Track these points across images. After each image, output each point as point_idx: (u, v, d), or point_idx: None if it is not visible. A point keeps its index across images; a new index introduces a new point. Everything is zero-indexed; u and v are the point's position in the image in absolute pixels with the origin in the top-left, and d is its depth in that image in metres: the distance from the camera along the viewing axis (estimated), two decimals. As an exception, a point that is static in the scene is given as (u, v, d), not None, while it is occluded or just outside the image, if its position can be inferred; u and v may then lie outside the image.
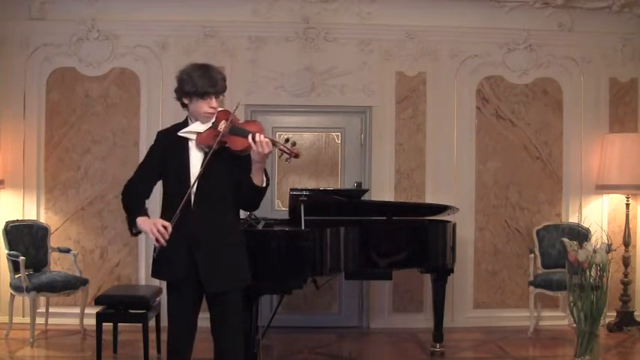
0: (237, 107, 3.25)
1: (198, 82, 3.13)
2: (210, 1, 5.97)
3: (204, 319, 3.25)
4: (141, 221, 3.12)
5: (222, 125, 3.13)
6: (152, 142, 3.35)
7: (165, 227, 3.01)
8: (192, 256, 3.13)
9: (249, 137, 3.04)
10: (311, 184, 6.03)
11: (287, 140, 3.10)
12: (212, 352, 3.26)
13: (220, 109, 3.23)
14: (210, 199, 3.15)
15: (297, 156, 3.10)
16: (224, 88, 3.22)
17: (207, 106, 3.17)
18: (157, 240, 3.02)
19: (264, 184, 3.16)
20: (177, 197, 3.10)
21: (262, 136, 3.02)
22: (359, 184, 5.76)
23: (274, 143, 3.07)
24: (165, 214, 3.15)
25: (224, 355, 3.22)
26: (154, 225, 3.03)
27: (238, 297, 3.24)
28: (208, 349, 3.18)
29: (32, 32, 5.95)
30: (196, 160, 3.16)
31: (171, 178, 3.21)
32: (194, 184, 3.10)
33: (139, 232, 3.19)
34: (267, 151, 3.03)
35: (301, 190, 4.69)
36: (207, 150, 3.13)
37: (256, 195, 3.18)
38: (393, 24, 6.07)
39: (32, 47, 5.96)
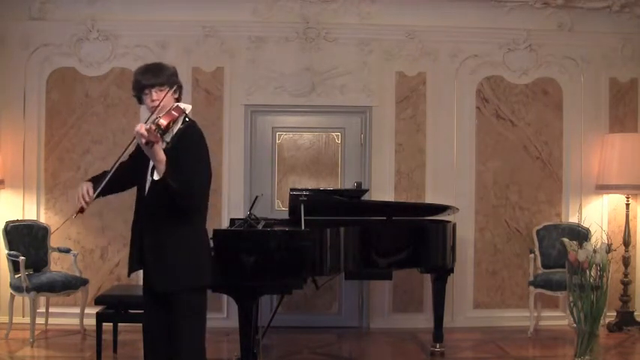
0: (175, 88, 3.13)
1: (135, 79, 3.11)
2: (210, 1, 5.97)
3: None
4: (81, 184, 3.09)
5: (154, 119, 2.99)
6: None
7: (88, 191, 3.00)
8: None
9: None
10: (311, 184, 6.03)
11: (156, 124, 2.90)
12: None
13: (177, 104, 3.09)
14: (158, 200, 3.01)
15: (147, 142, 2.82)
16: (163, 81, 3.06)
17: (149, 100, 3.08)
18: (79, 200, 3.00)
19: (167, 180, 2.89)
20: (137, 196, 3.17)
21: (139, 125, 2.85)
22: (359, 184, 5.74)
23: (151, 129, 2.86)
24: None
25: None
26: (81, 187, 3.04)
27: (190, 301, 3.09)
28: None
29: (32, 32, 5.95)
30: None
31: (137, 176, 3.18)
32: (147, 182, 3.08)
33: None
34: (140, 139, 2.82)
35: (301, 190, 4.70)
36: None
37: (163, 190, 2.94)
38: (393, 24, 6.07)
39: (32, 47, 5.96)
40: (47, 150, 5.98)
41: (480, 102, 6.19)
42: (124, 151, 3.10)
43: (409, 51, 6.12)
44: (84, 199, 2.99)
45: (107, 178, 3.04)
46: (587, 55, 6.23)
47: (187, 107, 3.14)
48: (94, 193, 3.02)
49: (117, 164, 3.08)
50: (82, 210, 2.99)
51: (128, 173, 3.21)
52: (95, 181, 3.12)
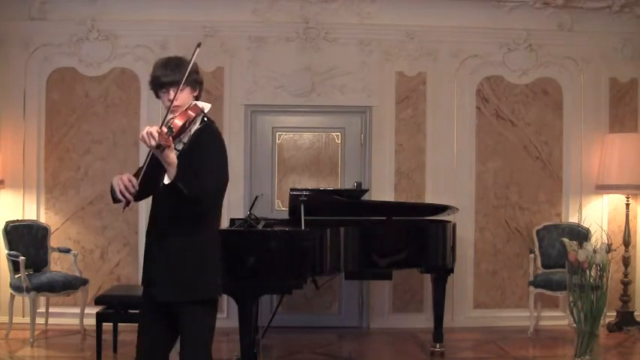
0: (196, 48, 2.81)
1: (154, 74, 2.93)
2: (210, 1, 5.97)
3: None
4: (114, 177, 2.80)
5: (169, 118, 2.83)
6: None
7: (130, 181, 2.70)
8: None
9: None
10: (311, 184, 6.03)
11: (168, 126, 2.74)
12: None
13: (195, 103, 2.96)
14: (166, 205, 2.85)
15: (158, 146, 2.64)
16: (182, 79, 2.82)
17: (166, 99, 2.89)
18: (122, 194, 2.70)
19: (177, 183, 2.69)
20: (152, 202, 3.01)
21: (148, 128, 2.64)
22: (359, 184, 5.75)
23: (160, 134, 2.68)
24: None
25: None
26: (120, 178, 2.73)
27: (195, 313, 2.84)
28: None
29: (32, 32, 5.95)
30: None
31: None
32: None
33: (115, 197, 2.80)
34: (148, 143, 2.61)
35: (301, 190, 4.70)
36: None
37: (174, 194, 2.73)
38: (393, 24, 6.07)
39: (32, 47, 5.96)
40: (47, 150, 5.98)
41: (480, 102, 6.19)
42: (150, 152, 2.76)
43: (409, 51, 6.12)
44: (128, 191, 2.70)
45: (145, 165, 2.75)
46: (587, 55, 6.23)
47: (206, 106, 3.01)
48: (137, 181, 2.71)
49: (149, 157, 2.74)
50: (128, 203, 2.75)
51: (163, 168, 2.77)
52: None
